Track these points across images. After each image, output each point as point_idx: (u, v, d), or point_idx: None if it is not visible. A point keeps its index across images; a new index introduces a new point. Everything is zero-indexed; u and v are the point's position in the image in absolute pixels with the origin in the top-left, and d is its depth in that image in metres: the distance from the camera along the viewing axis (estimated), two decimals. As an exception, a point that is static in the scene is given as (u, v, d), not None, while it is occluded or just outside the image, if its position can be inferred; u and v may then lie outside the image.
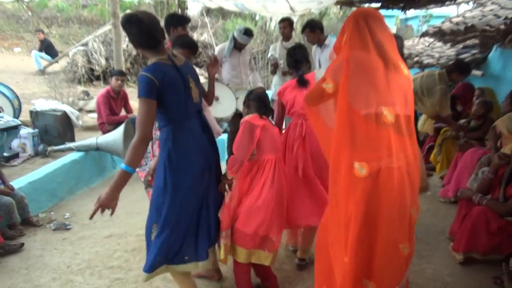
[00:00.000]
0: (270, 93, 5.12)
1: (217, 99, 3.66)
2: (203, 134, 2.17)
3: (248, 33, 4.30)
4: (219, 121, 3.94)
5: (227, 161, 4.80)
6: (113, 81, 4.91)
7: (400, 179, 1.82)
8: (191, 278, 2.34)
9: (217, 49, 4.59)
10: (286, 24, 4.73)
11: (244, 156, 2.30)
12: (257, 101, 2.44)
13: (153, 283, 2.56)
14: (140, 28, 1.89)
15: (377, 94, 1.80)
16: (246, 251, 2.29)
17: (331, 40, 4.57)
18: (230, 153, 4.62)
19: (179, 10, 11.79)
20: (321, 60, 4.42)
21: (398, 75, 1.87)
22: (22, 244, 3.05)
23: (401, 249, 1.89)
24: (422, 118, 5.08)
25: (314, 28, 4.43)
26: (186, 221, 2.09)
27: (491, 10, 4.26)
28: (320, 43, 4.41)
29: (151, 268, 2.04)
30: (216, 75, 4.52)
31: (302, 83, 2.62)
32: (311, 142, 2.59)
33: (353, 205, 1.81)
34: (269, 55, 4.91)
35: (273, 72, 4.92)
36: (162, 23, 2.48)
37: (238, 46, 4.40)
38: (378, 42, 1.84)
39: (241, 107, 3.97)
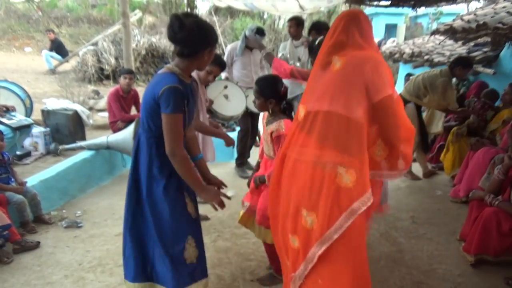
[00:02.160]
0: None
1: (227, 97, 3.68)
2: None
3: (260, 32, 4.29)
4: (229, 119, 3.95)
5: (236, 160, 4.85)
6: (121, 79, 4.93)
7: (292, 172, 1.90)
8: None
9: (228, 48, 4.60)
10: (293, 23, 4.72)
11: None
12: (290, 108, 2.44)
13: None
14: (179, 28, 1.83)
15: (304, 95, 1.95)
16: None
17: None
18: (240, 151, 4.68)
19: (188, 9, 11.83)
20: None
21: (325, 74, 1.86)
22: (39, 243, 3.08)
23: (290, 239, 1.93)
24: (435, 118, 5.06)
25: (320, 30, 4.42)
26: None
27: (504, 7, 4.22)
28: None
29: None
30: (226, 74, 4.55)
31: None
32: None
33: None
34: (279, 54, 4.90)
35: (282, 71, 4.90)
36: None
37: (249, 46, 4.40)
38: (324, 44, 1.90)
39: (251, 106, 3.98)
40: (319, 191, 1.78)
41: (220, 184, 2.20)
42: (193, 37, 1.82)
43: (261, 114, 2.99)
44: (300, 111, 1.91)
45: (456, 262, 2.92)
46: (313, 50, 3.05)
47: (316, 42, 2.99)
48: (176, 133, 1.86)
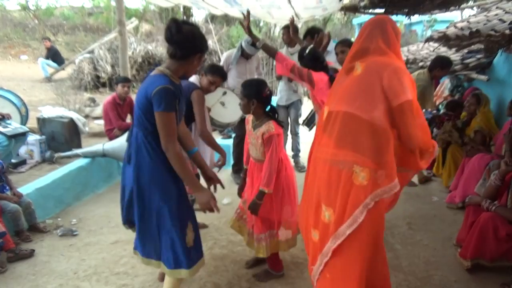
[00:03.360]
0: (276, 99, 5.14)
1: (223, 104, 3.69)
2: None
3: (255, 44, 4.31)
4: (226, 126, 3.95)
5: (232, 166, 4.85)
6: (119, 88, 4.94)
7: (313, 169, 2.02)
8: None
9: (224, 55, 4.62)
10: (285, 31, 4.76)
11: (276, 168, 2.42)
12: (274, 111, 2.55)
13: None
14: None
15: (328, 97, 2.10)
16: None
17: (333, 46, 4.57)
18: (237, 157, 4.67)
19: (184, 17, 11.87)
20: None
21: (347, 78, 1.98)
22: (33, 251, 3.06)
23: (312, 232, 2.03)
24: None
25: (315, 35, 4.43)
26: None
27: (496, 14, 4.26)
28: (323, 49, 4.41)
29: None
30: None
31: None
32: None
33: None
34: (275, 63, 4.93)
35: (279, 78, 4.94)
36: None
37: (245, 55, 4.42)
38: (350, 50, 2.03)
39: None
40: (336, 188, 1.87)
41: (219, 182, 2.31)
42: (187, 41, 1.97)
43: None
44: (324, 112, 2.03)
45: (452, 268, 2.93)
46: (303, 58, 3.08)
47: (307, 51, 3.03)
48: (169, 130, 1.97)
